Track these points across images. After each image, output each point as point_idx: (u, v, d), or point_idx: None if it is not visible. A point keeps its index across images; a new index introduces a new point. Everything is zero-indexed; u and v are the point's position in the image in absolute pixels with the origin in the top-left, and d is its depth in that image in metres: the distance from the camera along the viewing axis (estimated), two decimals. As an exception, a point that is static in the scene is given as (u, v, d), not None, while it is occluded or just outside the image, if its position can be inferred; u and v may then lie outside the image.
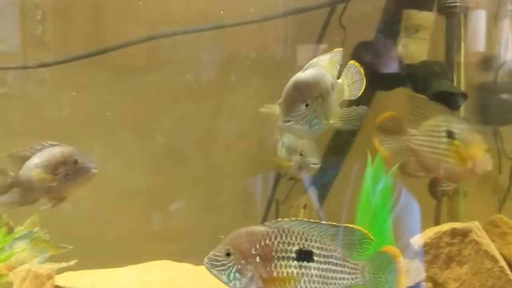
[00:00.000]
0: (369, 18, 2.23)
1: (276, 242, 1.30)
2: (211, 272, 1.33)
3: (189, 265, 1.94)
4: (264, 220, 2.35)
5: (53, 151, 1.55)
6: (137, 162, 2.24)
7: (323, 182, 2.25)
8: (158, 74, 2.30)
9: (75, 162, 1.53)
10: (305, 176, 1.83)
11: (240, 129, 2.34)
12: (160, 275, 1.88)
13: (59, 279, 1.88)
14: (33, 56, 2.22)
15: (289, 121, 1.35)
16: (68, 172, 1.53)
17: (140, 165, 2.24)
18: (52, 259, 2.06)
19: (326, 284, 1.32)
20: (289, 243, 1.30)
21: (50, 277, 1.73)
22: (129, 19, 2.25)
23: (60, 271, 1.94)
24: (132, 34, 2.19)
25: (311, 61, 1.44)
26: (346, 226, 1.34)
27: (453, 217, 2.16)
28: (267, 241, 1.30)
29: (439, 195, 2.15)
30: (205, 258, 1.33)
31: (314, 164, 1.79)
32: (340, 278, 1.33)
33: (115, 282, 1.85)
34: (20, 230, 2.00)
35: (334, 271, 1.33)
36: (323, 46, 2.28)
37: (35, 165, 1.56)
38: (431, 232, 1.61)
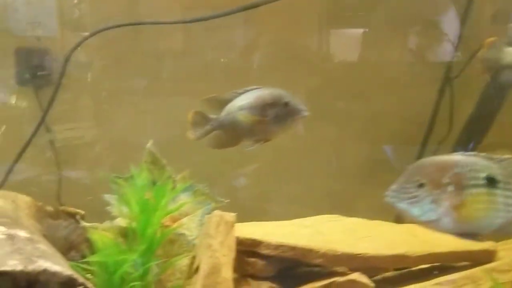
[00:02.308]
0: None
1: (467, 170, 1.28)
2: (397, 206, 1.28)
3: (361, 219, 1.92)
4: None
5: (261, 93, 1.52)
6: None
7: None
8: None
9: (286, 104, 1.50)
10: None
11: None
12: (335, 227, 1.86)
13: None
14: (70, 40, 2.22)
15: None
16: (278, 114, 1.50)
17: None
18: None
19: (508, 211, 1.30)
20: (477, 170, 1.28)
21: (232, 224, 1.71)
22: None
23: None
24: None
25: None
26: None
27: None
28: (458, 169, 1.28)
29: None
30: (387, 193, 1.28)
31: None
32: None
33: (288, 233, 1.81)
34: (182, 184, 1.99)
35: None
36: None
37: (239, 107, 1.53)
38: None
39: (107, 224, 1.89)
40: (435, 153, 2.20)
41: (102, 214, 1.94)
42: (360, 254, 1.65)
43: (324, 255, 1.68)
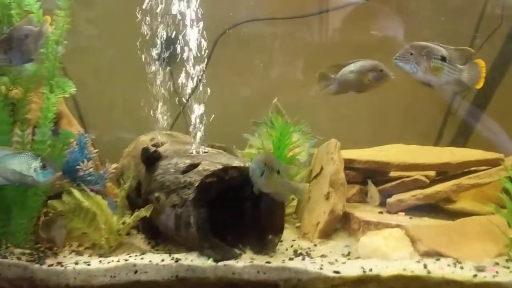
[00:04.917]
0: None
1: (431, 48, 2.12)
2: (399, 65, 2.14)
3: (417, 146, 2.91)
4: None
5: (364, 63, 2.45)
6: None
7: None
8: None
9: (381, 70, 2.43)
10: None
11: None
12: (401, 151, 2.85)
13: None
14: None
15: None
16: (375, 77, 2.44)
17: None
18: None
19: (448, 76, 2.13)
20: (437, 50, 2.11)
21: (339, 147, 2.66)
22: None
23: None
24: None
25: None
26: None
27: None
28: (428, 49, 2.11)
29: None
30: (395, 57, 2.14)
31: None
32: None
33: (371, 155, 2.79)
34: (296, 127, 2.94)
35: None
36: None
37: (350, 71, 2.47)
38: None
39: (251, 150, 2.87)
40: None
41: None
42: (420, 163, 2.64)
43: (397, 166, 2.67)
